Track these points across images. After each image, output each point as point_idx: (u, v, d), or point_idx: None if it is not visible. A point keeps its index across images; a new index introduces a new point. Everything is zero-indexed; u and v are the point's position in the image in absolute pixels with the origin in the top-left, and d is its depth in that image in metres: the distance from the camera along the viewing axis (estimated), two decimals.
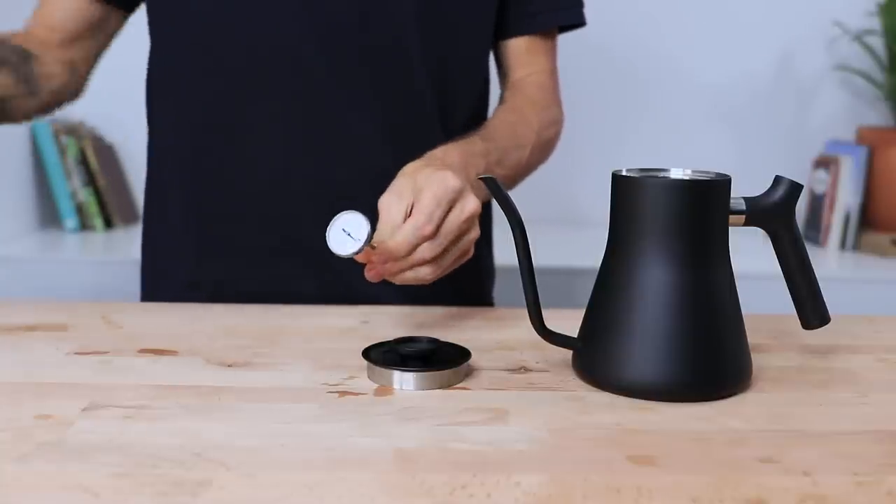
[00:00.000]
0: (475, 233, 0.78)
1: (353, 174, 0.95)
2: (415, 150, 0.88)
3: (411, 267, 0.75)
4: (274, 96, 0.94)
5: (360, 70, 0.94)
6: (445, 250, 0.76)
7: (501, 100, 1.05)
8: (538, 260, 0.74)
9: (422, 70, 0.97)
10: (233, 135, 0.96)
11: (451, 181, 0.75)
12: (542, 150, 1.03)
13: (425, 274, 0.76)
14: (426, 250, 0.74)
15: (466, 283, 1.03)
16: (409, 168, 0.79)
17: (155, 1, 0.97)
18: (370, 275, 0.74)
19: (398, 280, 0.76)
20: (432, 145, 0.88)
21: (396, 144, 0.96)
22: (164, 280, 1.04)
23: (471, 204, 0.76)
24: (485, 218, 1.10)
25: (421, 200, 0.74)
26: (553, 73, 1.07)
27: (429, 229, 0.73)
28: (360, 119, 0.95)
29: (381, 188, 0.76)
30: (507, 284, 1.16)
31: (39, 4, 1.02)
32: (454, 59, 0.99)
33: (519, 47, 1.04)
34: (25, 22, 1.02)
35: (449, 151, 0.85)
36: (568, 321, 0.74)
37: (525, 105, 1.02)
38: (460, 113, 1.02)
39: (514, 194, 0.74)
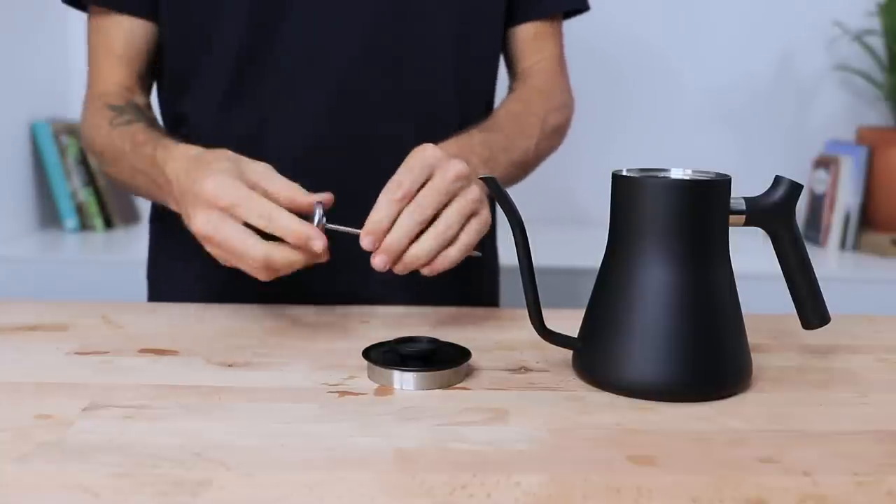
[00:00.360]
0: (473, 193, 0.76)
1: (363, 176, 0.96)
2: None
3: (408, 239, 0.73)
4: (295, 101, 0.94)
5: (384, 71, 0.95)
6: (438, 215, 0.74)
7: (510, 90, 1.05)
8: (537, 260, 0.74)
9: (448, 65, 0.97)
10: (241, 135, 0.95)
11: (428, 150, 0.75)
12: (551, 137, 1.03)
13: (433, 242, 0.73)
14: (411, 214, 0.73)
15: (469, 283, 1.03)
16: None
17: (176, 7, 0.95)
18: (374, 262, 0.73)
19: (409, 262, 0.73)
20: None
21: (416, 143, 0.96)
22: (169, 279, 1.05)
23: (456, 165, 0.75)
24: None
25: (396, 174, 0.74)
26: (560, 58, 1.07)
27: (399, 193, 0.72)
28: (380, 120, 0.95)
29: None
30: (507, 284, 1.16)
31: (98, 44, 0.98)
32: (475, 50, 1.00)
33: (526, 34, 1.04)
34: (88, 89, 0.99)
35: (447, 145, 0.85)
36: (568, 321, 0.74)
37: (531, 94, 1.02)
38: (476, 105, 1.02)
39: (514, 194, 0.74)
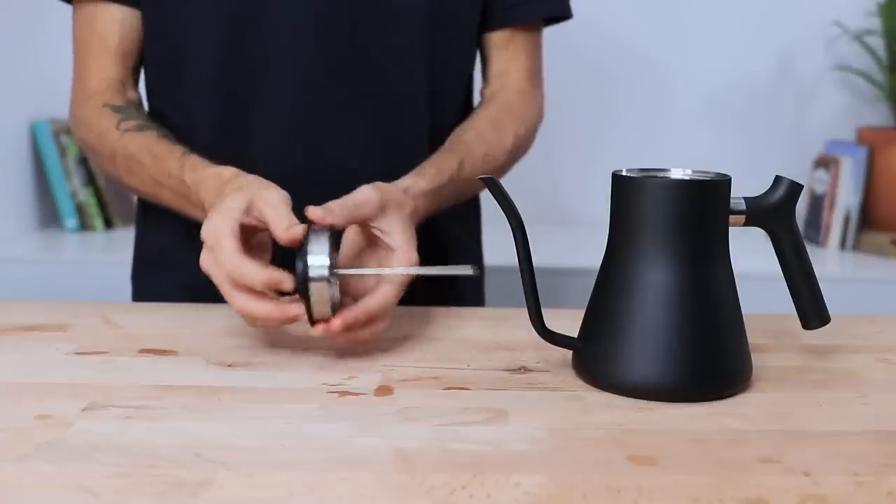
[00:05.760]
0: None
1: (345, 176, 0.96)
2: (404, 151, 0.92)
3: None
4: (272, 100, 0.94)
5: (358, 72, 0.94)
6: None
7: (482, 98, 1.04)
8: (535, 260, 0.74)
9: (419, 69, 0.97)
10: (227, 137, 0.95)
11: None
12: (515, 159, 1.02)
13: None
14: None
15: (456, 283, 1.03)
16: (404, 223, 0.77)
17: (155, 6, 0.95)
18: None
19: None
20: (421, 146, 0.92)
21: (387, 146, 0.96)
22: (154, 281, 1.04)
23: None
24: (474, 217, 1.10)
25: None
26: (532, 70, 1.04)
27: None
28: (354, 121, 0.95)
29: None
30: (504, 284, 1.16)
31: (89, 36, 0.97)
32: (447, 55, 0.99)
33: (500, 40, 1.02)
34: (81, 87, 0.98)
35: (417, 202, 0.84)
36: (568, 321, 0.74)
37: (503, 117, 0.99)
38: (449, 110, 1.02)
39: (514, 194, 0.74)
